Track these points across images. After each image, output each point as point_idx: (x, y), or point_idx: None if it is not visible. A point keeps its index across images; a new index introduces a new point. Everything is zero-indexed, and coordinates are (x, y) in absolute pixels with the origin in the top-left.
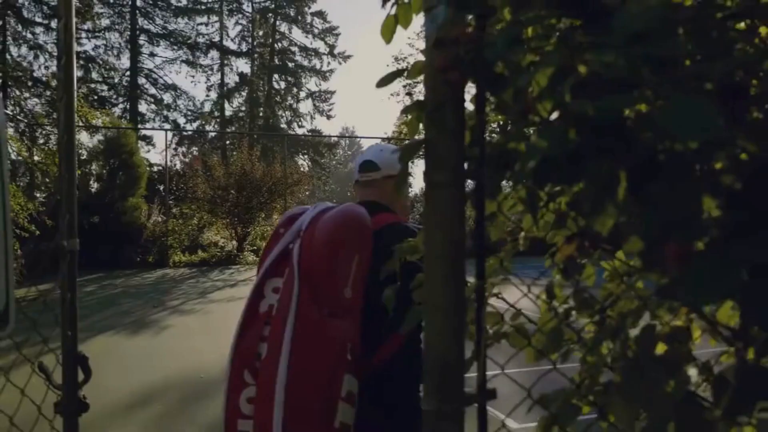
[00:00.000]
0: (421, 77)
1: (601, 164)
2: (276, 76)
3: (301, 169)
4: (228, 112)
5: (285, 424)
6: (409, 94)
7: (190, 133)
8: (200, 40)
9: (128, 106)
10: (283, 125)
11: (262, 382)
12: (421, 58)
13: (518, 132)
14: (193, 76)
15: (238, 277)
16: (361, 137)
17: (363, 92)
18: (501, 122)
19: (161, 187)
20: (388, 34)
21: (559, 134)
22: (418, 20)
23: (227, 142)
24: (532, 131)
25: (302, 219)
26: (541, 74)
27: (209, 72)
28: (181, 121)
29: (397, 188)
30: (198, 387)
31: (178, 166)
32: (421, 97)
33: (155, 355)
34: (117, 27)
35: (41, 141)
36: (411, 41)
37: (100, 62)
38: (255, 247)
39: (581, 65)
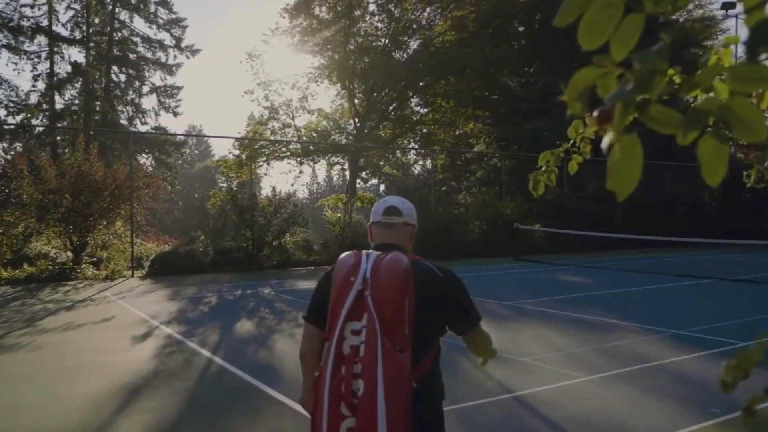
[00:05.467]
0: None
1: None
2: (115, 67)
3: (147, 169)
4: (59, 105)
5: None
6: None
7: (12, 127)
8: (24, 23)
9: None
10: (124, 121)
11: (363, 414)
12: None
13: None
14: (16, 64)
15: (75, 296)
16: (210, 136)
17: (212, 89)
18: None
19: None
20: None
21: None
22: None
23: (58, 138)
24: None
25: (364, 267)
26: None
27: (36, 60)
28: (2, 113)
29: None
30: None
31: None
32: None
33: None
34: None
35: None
36: (265, 38)
37: None
38: (95, 259)
39: None
